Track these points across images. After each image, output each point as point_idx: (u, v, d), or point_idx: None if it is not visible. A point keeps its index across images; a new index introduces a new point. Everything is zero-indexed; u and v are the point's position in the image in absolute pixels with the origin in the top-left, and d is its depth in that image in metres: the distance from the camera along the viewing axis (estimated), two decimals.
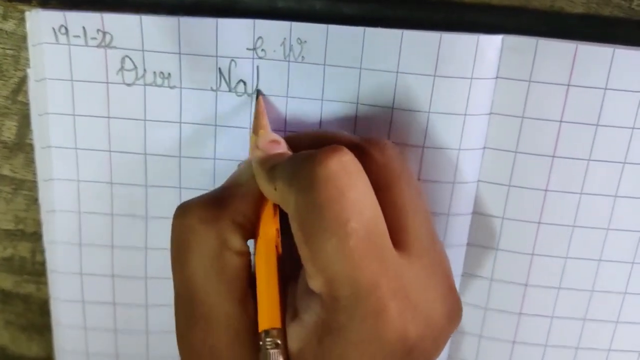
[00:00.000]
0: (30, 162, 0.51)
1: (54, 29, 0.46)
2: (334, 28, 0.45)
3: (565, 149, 0.47)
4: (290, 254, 0.40)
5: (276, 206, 0.41)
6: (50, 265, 0.52)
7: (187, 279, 0.40)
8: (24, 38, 0.48)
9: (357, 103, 0.46)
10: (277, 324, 0.38)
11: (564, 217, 0.48)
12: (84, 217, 0.50)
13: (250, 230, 0.40)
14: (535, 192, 0.48)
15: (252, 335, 0.39)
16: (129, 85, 0.47)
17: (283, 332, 0.38)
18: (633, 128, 0.46)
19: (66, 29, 0.46)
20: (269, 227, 0.40)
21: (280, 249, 0.40)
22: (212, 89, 0.47)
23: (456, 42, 0.44)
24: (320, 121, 0.47)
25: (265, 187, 0.40)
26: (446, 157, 0.47)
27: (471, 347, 0.52)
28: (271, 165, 0.40)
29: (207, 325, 0.39)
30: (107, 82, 0.47)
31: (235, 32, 0.45)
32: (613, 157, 0.47)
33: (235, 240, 0.39)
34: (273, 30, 0.45)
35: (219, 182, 0.48)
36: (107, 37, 0.46)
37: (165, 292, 0.52)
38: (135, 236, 0.51)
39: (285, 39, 0.45)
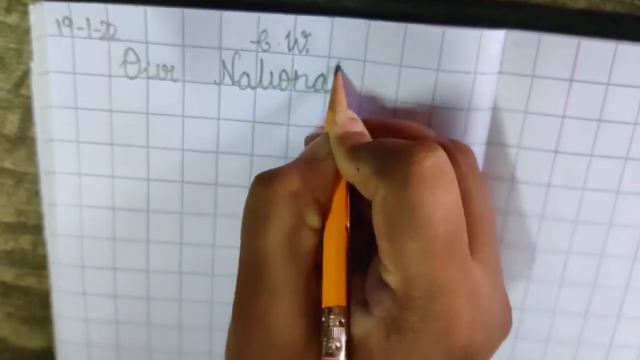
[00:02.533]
0: (32, 156, 0.51)
1: (57, 20, 0.46)
2: (338, 21, 0.45)
3: (568, 144, 0.47)
4: (357, 240, 0.40)
5: (348, 185, 0.40)
6: (52, 257, 0.52)
7: (259, 249, 0.39)
8: (27, 31, 0.48)
9: (360, 95, 0.46)
10: (343, 302, 0.38)
11: (566, 213, 0.48)
12: (85, 210, 0.50)
13: (326, 208, 0.40)
14: (537, 187, 0.48)
15: (313, 313, 0.39)
16: (131, 78, 0.47)
17: (347, 312, 0.38)
18: (635, 124, 0.46)
19: (70, 20, 0.46)
20: (342, 206, 0.40)
21: (348, 230, 0.40)
22: (215, 82, 0.47)
23: (459, 36, 0.44)
24: (325, 114, 0.47)
25: (345, 166, 0.39)
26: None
27: None
28: (352, 144, 0.40)
29: (272, 296, 0.38)
30: (110, 75, 0.47)
31: (240, 25, 0.45)
32: (615, 153, 0.47)
33: (313, 217, 0.39)
34: (277, 23, 0.45)
35: (222, 176, 0.48)
36: (111, 29, 0.46)
37: (166, 285, 0.52)
38: (136, 229, 0.51)
39: (289, 31, 0.45)
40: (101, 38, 0.46)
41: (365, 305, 0.38)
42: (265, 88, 0.47)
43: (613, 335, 0.52)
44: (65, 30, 0.46)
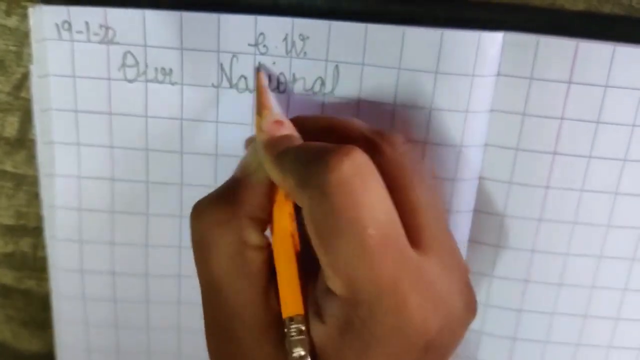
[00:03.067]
0: (31, 158, 0.51)
1: (57, 24, 0.46)
2: (336, 24, 0.45)
3: (566, 146, 0.47)
4: (308, 247, 0.39)
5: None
6: (52, 260, 0.52)
7: (210, 278, 0.40)
8: (26, 34, 0.48)
9: (359, 99, 0.46)
10: (300, 310, 0.38)
11: (565, 214, 0.48)
12: (85, 213, 0.50)
13: (266, 221, 0.40)
14: (536, 189, 0.48)
15: (277, 328, 0.39)
16: (130, 81, 0.47)
17: (306, 319, 0.38)
18: (633, 125, 0.46)
19: (69, 24, 0.46)
20: (283, 214, 0.40)
21: (296, 236, 0.40)
22: (213, 85, 0.47)
23: (458, 39, 0.44)
24: None
25: (274, 174, 0.39)
26: (447, 153, 0.47)
27: (472, 343, 0.52)
28: (279, 150, 0.39)
29: (233, 320, 0.39)
30: (109, 79, 0.47)
31: (237, 28, 0.45)
32: (614, 154, 0.47)
33: (253, 236, 0.39)
34: (275, 26, 0.45)
35: (221, 179, 0.48)
36: (110, 33, 0.46)
37: (165, 288, 0.52)
38: (136, 232, 0.51)
39: (287, 35, 0.45)
40: (100, 42, 0.46)
41: (318, 314, 0.38)
42: None
43: (612, 337, 0.52)
44: (65, 34, 0.46)
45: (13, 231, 0.54)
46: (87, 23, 0.46)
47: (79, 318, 0.53)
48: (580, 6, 0.46)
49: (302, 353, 0.37)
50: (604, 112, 0.46)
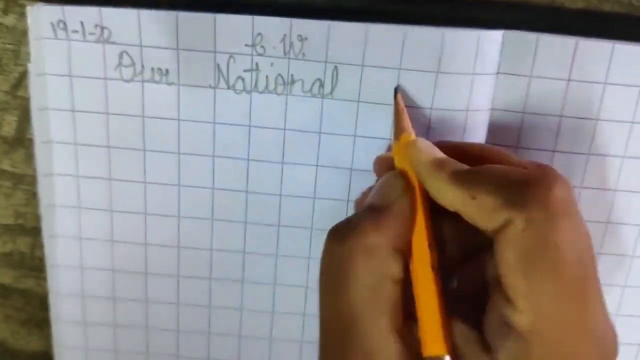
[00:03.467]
0: (29, 157, 0.51)
1: (52, 24, 0.46)
2: (335, 25, 0.45)
3: (566, 143, 0.47)
4: (464, 277, 0.38)
5: (429, 220, 0.39)
6: (50, 260, 0.52)
7: (343, 309, 0.37)
8: (24, 33, 0.48)
9: (359, 101, 0.46)
10: (443, 349, 0.36)
11: None
12: (83, 212, 0.50)
13: (407, 253, 0.38)
14: None
15: None
16: (127, 81, 0.47)
17: (451, 357, 0.36)
18: (632, 122, 0.46)
19: (65, 24, 0.45)
20: (423, 245, 0.38)
21: (437, 267, 0.38)
22: (210, 86, 0.47)
23: (458, 38, 0.44)
24: (321, 119, 0.47)
25: (451, 194, 0.37)
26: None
27: None
28: (453, 169, 0.37)
29: (366, 356, 0.36)
30: (106, 78, 0.47)
31: (234, 28, 0.45)
32: (613, 151, 0.47)
33: (395, 268, 0.37)
34: (273, 26, 0.45)
35: (218, 180, 0.49)
36: (106, 32, 0.46)
37: (164, 288, 0.52)
38: (134, 232, 0.51)
39: (285, 35, 0.45)
40: (96, 41, 0.46)
41: (486, 350, 0.36)
42: (260, 92, 0.46)
43: None
44: (61, 33, 0.46)
45: (11, 230, 0.54)
46: (82, 23, 0.45)
47: (77, 317, 0.53)
48: (579, 4, 0.46)
49: None
50: (603, 109, 0.46)
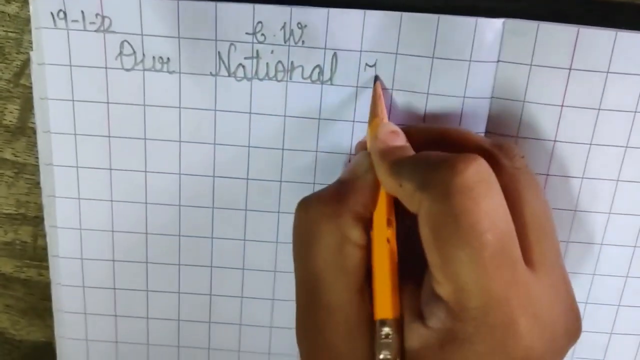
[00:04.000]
0: (32, 146, 0.51)
1: (52, 13, 0.46)
2: (334, 12, 0.45)
3: (567, 133, 0.47)
4: (412, 252, 0.39)
5: (390, 197, 0.41)
6: (51, 250, 0.53)
7: (309, 271, 0.40)
8: (26, 21, 0.48)
9: (357, 87, 0.46)
10: (391, 314, 0.38)
11: (566, 202, 0.48)
12: (84, 202, 0.51)
13: (370, 221, 0.40)
14: (536, 176, 0.47)
15: (369, 328, 0.39)
16: (127, 70, 0.47)
17: (399, 324, 0.38)
18: (635, 112, 0.46)
19: (65, 13, 0.46)
20: (383, 218, 0.40)
21: (394, 241, 0.40)
22: (211, 74, 0.47)
23: (454, 24, 0.44)
24: (320, 106, 0.47)
25: (387, 181, 0.40)
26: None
27: None
28: (394, 159, 0.40)
29: (327, 315, 0.39)
30: (106, 67, 0.47)
31: (235, 16, 0.45)
32: (615, 141, 0.47)
33: (355, 234, 0.39)
34: (273, 14, 0.45)
35: (219, 168, 0.49)
36: (106, 21, 0.46)
37: (165, 277, 0.53)
38: (135, 221, 0.51)
39: (285, 23, 0.45)
40: (96, 30, 0.46)
41: (420, 317, 0.38)
42: (261, 79, 0.47)
43: (613, 324, 0.52)
44: (60, 23, 0.46)
45: (13, 220, 0.54)
46: (82, 12, 0.46)
47: (79, 307, 0.53)
48: None
49: (389, 357, 0.38)
50: (605, 98, 0.46)
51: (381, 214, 0.40)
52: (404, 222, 0.41)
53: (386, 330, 0.38)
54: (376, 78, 0.46)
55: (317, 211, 0.40)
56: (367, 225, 0.40)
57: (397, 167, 0.39)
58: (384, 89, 0.46)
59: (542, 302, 0.38)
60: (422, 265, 0.39)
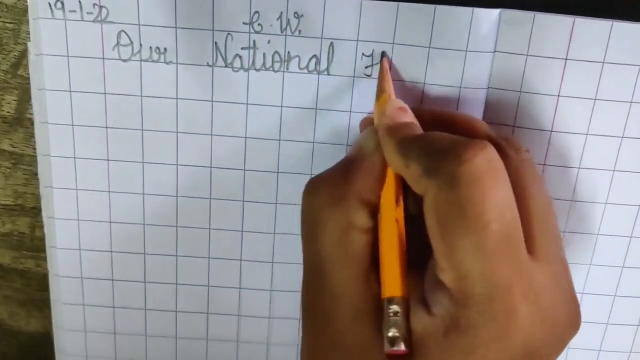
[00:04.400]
0: (30, 137, 0.52)
1: (50, 4, 0.46)
2: (331, 1, 0.45)
3: (564, 123, 0.47)
4: (414, 237, 0.40)
5: (399, 176, 0.40)
6: (49, 241, 0.53)
7: (316, 255, 0.40)
8: (24, 12, 0.48)
9: (354, 77, 0.47)
10: (401, 292, 0.38)
11: (563, 192, 0.49)
12: (81, 193, 0.51)
13: (376, 204, 0.40)
14: None
15: (375, 312, 0.39)
16: (125, 61, 0.47)
17: (407, 305, 0.38)
18: (631, 102, 0.46)
19: (62, 3, 0.46)
20: (391, 199, 0.40)
21: (402, 221, 0.40)
22: (208, 65, 0.47)
23: (451, 14, 0.45)
24: (318, 96, 0.47)
25: (394, 160, 0.40)
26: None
27: None
28: (402, 136, 0.39)
29: (333, 299, 0.39)
30: (104, 58, 0.47)
31: (232, 6, 0.45)
32: (611, 132, 0.47)
33: (361, 219, 0.39)
34: (270, 4, 0.45)
35: (215, 159, 0.49)
36: (104, 12, 0.46)
37: (163, 269, 0.53)
38: (132, 212, 0.51)
39: (282, 13, 0.45)
40: (94, 21, 0.46)
41: (424, 303, 0.38)
42: (258, 70, 0.47)
43: (610, 314, 0.52)
44: (58, 13, 0.46)
45: (11, 211, 0.54)
46: (80, 2, 0.46)
47: (77, 299, 0.54)
48: None
49: (397, 335, 0.37)
50: (602, 89, 0.46)
51: (389, 194, 0.40)
52: (407, 206, 0.41)
53: (394, 308, 0.38)
54: (383, 54, 0.46)
55: (322, 195, 0.40)
56: (373, 208, 0.40)
57: (405, 146, 0.39)
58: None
59: (544, 292, 0.38)
60: (424, 252, 0.39)
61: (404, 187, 0.40)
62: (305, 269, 0.41)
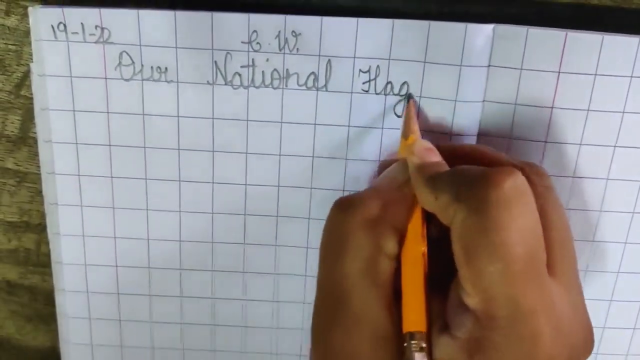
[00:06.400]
0: (33, 155, 0.52)
1: (52, 26, 0.46)
2: (327, 20, 0.46)
3: (558, 134, 0.48)
4: (435, 264, 0.40)
5: (424, 211, 0.41)
6: (54, 256, 0.53)
7: (338, 278, 0.39)
8: (26, 33, 0.49)
9: (352, 93, 0.47)
10: (423, 327, 0.38)
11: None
12: (86, 209, 0.51)
13: (403, 234, 0.40)
14: None
15: (395, 338, 0.39)
16: (127, 80, 0.48)
17: (428, 337, 0.38)
18: (623, 112, 0.47)
19: (65, 25, 0.46)
20: (418, 231, 0.41)
21: (426, 255, 0.40)
22: (208, 83, 0.47)
23: (445, 30, 0.45)
24: (316, 112, 0.48)
25: (423, 195, 0.40)
26: (439, 142, 0.47)
27: None
28: (431, 173, 0.40)
29: (353, 326, 0.39)
30: (106, 78, 0.48)
31: (230, 25, 0.46)
32: (604, 141, 0.48)
33: (390, 246, 0.39)
34: (268, 23, 0.46)
35: (218, 175, 0.50)
36: (105, 33, 0.46)
37: (167, 282, 0.53)
38: (136, 227, 0.52)
39: (279, 31, 0.46)
40: (96, 42, 0.47)
41: (447, 328, 0.38)
42: (257, 87, 0.47)
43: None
44: (60, 35, 0.47)
45: (16, 228, 0.55)
46: (82, 24, 0.46)
47: (83, 313, 0.54)
48: None
49: None
50: (594, 100, 0.47)
51: (417, 226, 0.41)
52: (429, 232, 0.41)
53: (417, 342, 0.38)
54: (410, 96, 0.47)
55: (357, 216, 0.40)
56: (400, 237, 0.40)
57: (434, 180, 0.39)
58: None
59: (564, 314, 0.38)
60: (443, 275, 0.39)
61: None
62: (324, 287, 0.41)
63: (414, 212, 0.41)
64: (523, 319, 0.36)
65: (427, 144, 0.43)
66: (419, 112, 0.47)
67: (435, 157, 0.42)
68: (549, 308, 0.37)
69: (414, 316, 0.39)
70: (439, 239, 0.40)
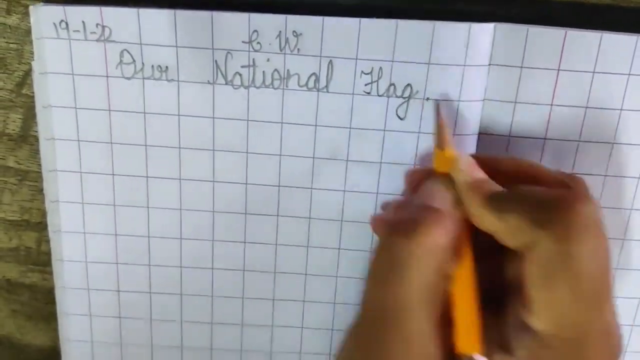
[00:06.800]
0: (34, 154, 0.52)
1: (54, 24, 0.46)
2: (329, 20, 0.46)
3: (557, 131, 0.48)
4: (488, 283, 0.40)
5: (471, 232, 0.41)
6: (55, 254, 0.53)
7: (393, 297, 0.39)
8: (27, 32, 0.49)
9: (353, 94, 0.47)
10: (478, 350, 0.39)
11: None
12: (87, 207, 0.51)
13: (456, 256, 0.41)
14: None
15: (445, 358, 0.39)
16: (128, 78, 0.48)
17: (483, 353, 0.39)
18: (621, 109, 0.47)
19: (66, 23, 0.46)
20: (468, 252, 0.41)
21: (476, 276, 0.41)
22: (209, 82, 0.48)
23: (449, 30, 0.45)
24: (317, 112, 0.48)
25: (483, 214, 0.40)
26: None
27: None
28: (489, 193, 0.40)
29: (407, 346, 0.38)
30: (107, 76, 0.48)
31: (231, 25, 0.46)
32: (602, 138, 0.48)
33: (448, 266, 0.40)
34: (268, 23, 0.46)
35: (218, 174, 0.50)
36: (107, 31, 0.47)
37: (167, 279, 0.53)
38: (137, 225, 0.52)
39: (280, 31, 0.46)
40: (97, 40, 0.47)
41: (504, 348, 0.39)
42: (258, 87, 0.47)
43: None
44: (62, 33, 0.47)
45: (17, 226, 0.55)
46: (83, 22, 0.46)
47: (83, 311, 0.54)
48: None
49: None
50: (592, 97, 0.47)
51: (467, 244, 0.41)
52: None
53: None
54: (438, 106, 0.47)
55: (421, 241, 0.39)
56: (454, 257, 0.40)
57: (497, 201, 0.39)
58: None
59: (613, 328, 0.39)
60: (492, 296, 0.40)
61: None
62: (372, 309, 0.40)
63: (464, 231, 0.41)
64: (586, 341, 0.37)
65: (470, 158, 0.43)
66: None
67: (480, 172, 0.42)
68: (608, 327, 0.38)
69: (469, 338, 0.39)
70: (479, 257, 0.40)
